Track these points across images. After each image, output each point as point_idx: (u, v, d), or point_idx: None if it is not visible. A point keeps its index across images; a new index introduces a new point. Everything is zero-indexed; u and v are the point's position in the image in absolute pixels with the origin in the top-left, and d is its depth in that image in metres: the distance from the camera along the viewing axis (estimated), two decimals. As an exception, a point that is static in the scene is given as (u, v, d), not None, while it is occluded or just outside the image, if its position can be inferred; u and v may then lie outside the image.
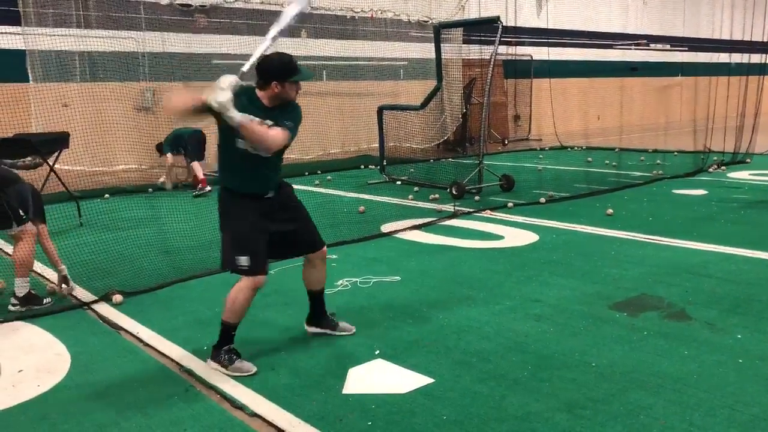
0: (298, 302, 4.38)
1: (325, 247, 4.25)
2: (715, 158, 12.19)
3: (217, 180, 3.97)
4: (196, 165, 10.43)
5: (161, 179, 10.69)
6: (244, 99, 3.69)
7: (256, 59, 3.67)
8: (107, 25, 11.51)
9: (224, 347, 3.86)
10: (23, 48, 10.80)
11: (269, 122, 3.73)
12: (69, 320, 4.78)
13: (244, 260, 3.80)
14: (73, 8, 11.29)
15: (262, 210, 3.87)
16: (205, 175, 10.35)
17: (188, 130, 10.40)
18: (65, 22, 11.20)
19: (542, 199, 9.01)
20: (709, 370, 3.65)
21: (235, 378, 3.72)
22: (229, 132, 3.69)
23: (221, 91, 3.44)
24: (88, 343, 4.34)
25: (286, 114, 3.82)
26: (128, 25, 11.85)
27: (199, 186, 10.18)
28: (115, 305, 5.03)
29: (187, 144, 10.48)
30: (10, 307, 4.99)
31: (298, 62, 3.81)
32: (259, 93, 3.81)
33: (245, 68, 3.62)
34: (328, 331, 4.32)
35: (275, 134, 3.70)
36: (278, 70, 3.73)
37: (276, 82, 3.74)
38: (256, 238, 3.85)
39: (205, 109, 3.54)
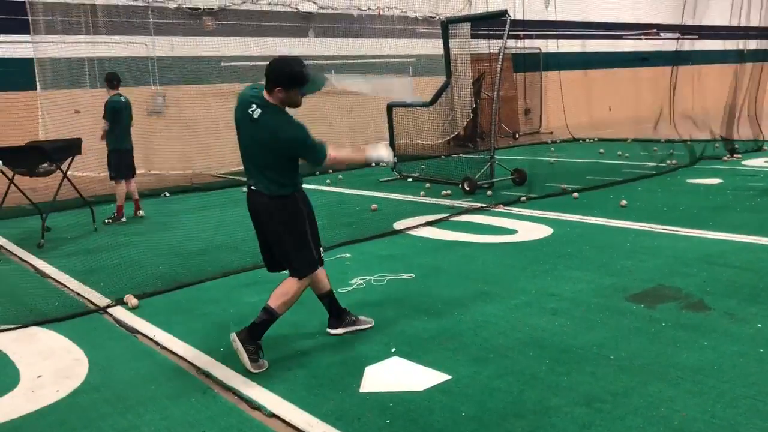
0: (313, 302, 4.38)
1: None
2: (730, 146, 12.07)
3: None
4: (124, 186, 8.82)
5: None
6: (256, 101, 3.76)
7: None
8: (116, 30, 11.58)
9: (258, 340, 3.89)
10: (32, 56, 10.88)
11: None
12: (86, 325, 4.81)
13: (320, 251, 4.08)
14: (81, 15, 11.36)
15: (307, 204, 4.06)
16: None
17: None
18: (74, 29, 11.27)
19: (575, 194, 8.74)
20: (730, 361, 3.61)
21: (252, 378, 3.72)
22: None
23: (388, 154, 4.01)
24: (105, 348, 4.36)
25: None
26: (137, 30, 11.91)
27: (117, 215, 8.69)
28: (131, 309, 5.05)
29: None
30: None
31: (309, 69, 3.79)
32: (266, 95, 3.81)
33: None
34: (353, 328, 4.31)
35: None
36: (284, 78, 3.72)
37: (280, 88, 3.73)
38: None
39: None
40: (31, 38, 10.86)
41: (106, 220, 8.52)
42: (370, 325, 4.38)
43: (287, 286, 3.95)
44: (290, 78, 3.71)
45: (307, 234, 3.94)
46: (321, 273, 4.21)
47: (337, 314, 4.33)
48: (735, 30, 20.69)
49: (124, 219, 8.63)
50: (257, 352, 3.85)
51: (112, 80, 8.71)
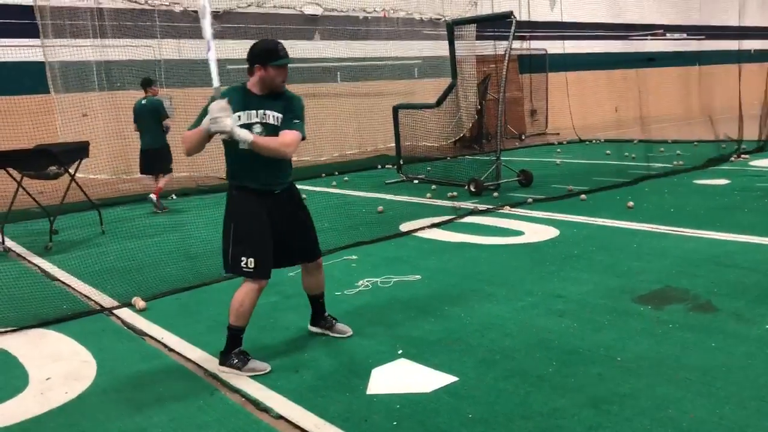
0: (319, 304, 4.39)
1: (320, 258, 4.22)
2: (737, 147, 12.02)
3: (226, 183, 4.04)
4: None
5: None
6: (237, 95, 3.75)
7: (216, 68, 3.63)
8: (123, 34, 11.63)
9: (234, 350, 3.88)
10: (43, 60, 10.94)
11: (260, 118, 3.74)
12: (94, 327, 4.83)
13: (250, 262, 3.73)
14: (89, 19, 11.42)
15: (268, 208, 3.84)
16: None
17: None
18: (82, 32, 11.33)
19: (583, 196, 8.72)
20: (738, 362, 3.60)
21: (259, 380, 3.73)
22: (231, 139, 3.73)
23: (222, 118, 3.49)
24: (113, 350, 4.38)
25: (288, 107, 3.81)
26: (144, 33, 11.97)
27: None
28: (139, 311, 5.07)
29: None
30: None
31: (285, 50, 3.80)
32: (248, 83, 3.83)
33: (216, 83, 3.62)
34: (326, 332, 4.31)
35: (288, 141, 3.70)
36: (260, 53, 3.74)
37: (258, 65, 3.74)
38: (264, 240, 3.81)
39: (210, 136, 3.64)
40: (42, 42, 10.91)
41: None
42: (344, 336, 4.25)
43: (236, 293, 3.89)
44: (261, 52, 3.72)
45: (230, 233, 3.82)
46: (310, 275, 4.19)
47: (317, 316, 4.35)
48: (740, 30, 20.59)
49: (163, 210, 9.30)
50: (241, 359, 3.85)
51: (141, 84, 9.41)
